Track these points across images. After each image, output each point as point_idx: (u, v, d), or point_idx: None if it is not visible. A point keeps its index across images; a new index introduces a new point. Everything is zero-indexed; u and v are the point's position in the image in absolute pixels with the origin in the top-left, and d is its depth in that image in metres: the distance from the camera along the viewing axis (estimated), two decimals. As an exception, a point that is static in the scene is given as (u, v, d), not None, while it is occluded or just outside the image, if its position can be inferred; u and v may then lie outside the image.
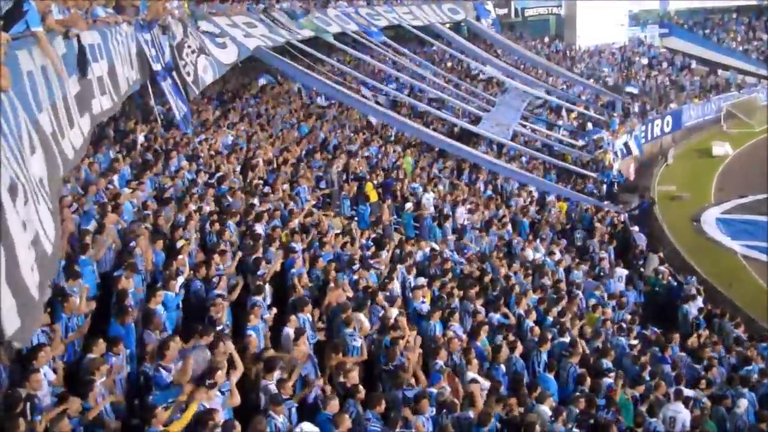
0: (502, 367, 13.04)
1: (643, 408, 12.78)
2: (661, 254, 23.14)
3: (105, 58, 14.05)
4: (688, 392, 13.85)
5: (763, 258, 25.33)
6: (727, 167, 38.25)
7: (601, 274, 21.22)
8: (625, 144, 36.31)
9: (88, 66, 12.22)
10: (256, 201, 17.78)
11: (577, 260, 21.89)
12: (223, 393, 9.41)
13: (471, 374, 12.05)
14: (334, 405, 9.81)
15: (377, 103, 32.11)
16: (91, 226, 12.91)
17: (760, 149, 41.10)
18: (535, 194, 27.72)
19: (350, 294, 13.90)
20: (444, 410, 10.65)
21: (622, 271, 21.35)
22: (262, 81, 33.23)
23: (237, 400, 9.66)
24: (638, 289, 21.03)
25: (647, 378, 14.17)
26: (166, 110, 23.00)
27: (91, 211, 13.52)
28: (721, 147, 40.61)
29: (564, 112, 39.21)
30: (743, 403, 13.91)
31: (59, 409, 8.11)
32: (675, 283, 21.23)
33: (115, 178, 16.08)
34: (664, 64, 52.39)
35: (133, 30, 16.99)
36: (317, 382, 10.71)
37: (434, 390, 11.20)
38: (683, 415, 12.95)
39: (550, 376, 13.20)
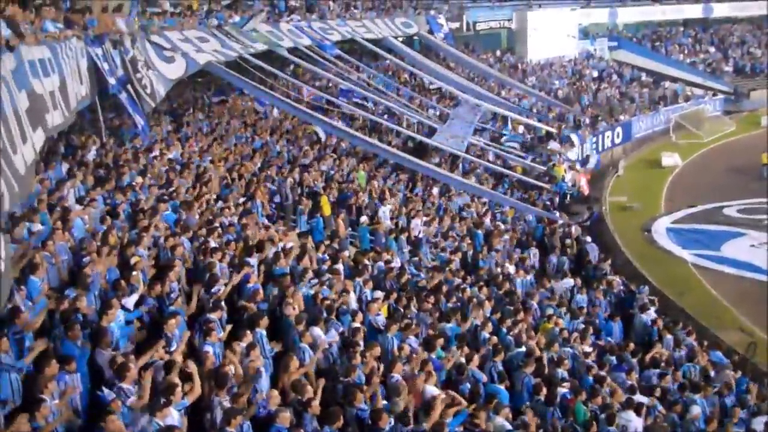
0: (468, 384, 13.10)
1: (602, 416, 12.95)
2: (610, 263, 23.40)
3: (56, 72, 13.90)
4: (641, 399, 14.03)
5: (712, 267, 25.77)
6: (676, 177, 38.89)
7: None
8: (586, 156, 36.81)
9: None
10: (210, 216, 17.67)
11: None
12: (179, 411, 9.34)
13: (429, 387, 12.07)
14: (284, 417, 9.77)
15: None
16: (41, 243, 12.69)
17: (709, 159, 42.01)
18: (488, 205, 27.94)
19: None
20: (399, 424, 10.63)
21: (568, 281, 21.49)
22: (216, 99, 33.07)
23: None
24: (590, 298, 21.07)
25: (601, 387, 14.31)
26: (116, 126, 22.82)
27: (43, 228, 13.32)
28: (671, 158, 41.29)
29: (510, 124, 39.47)
30: (696, 410, 14.19)
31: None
32: (627, 293, 21.45)
33: (67, 193, 15.86)
34: (614, 77, 53.14)
35: (83, 45, 16.82)
36: (261, 395, 10.65)
37: (387, 403, 11.21)
38: (634, 423, 13.13)
39: (501, 386, 13.27)
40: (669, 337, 18.43)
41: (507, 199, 28.79)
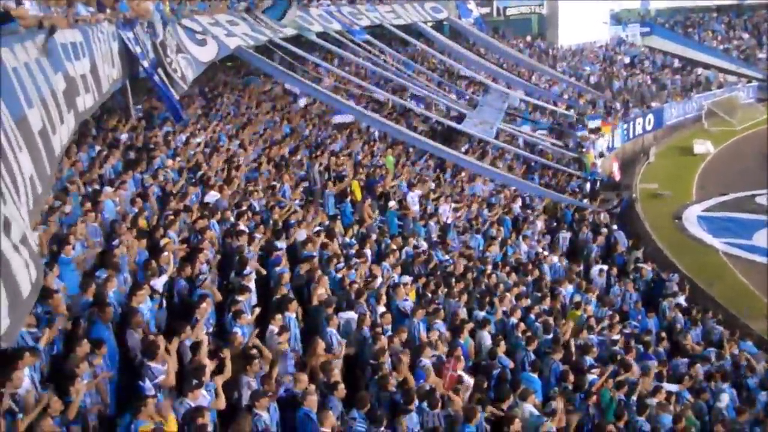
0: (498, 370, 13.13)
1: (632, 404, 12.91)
2: (641, 251, 23.20)
3: (87, 56, 13.98)
4: (670, 387, 13.98)
5: (743, 255, 25.51)
6: (708, 165, 38.48)
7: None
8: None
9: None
10: (239, 199, 17.78)
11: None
12: (209, 391, 9.43)
13: (457, 372, 12.12)
14: (312, 400, 9.85)
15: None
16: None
17: (741, 147, 41.49)
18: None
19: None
20: (428, 407, 10.68)
21: (601, 266, 21.42)
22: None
23: (222, 403, 9.66)
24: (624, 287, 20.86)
25: (630, 377, 14.24)
26: (147, 108, 22.93)
27: (74, 210, 13.45)
28: (703, 145, 40.84)
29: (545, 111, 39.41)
30: (725, 398, 14.11)
31: (40, 406, 8.10)
32: (657, 280, 21.28)
33: (98, 176, 16.01)
34: (646, 63, 52.64)
35: (114, 28, 16.90)
36: (287, 378, 10.73)
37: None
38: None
39: (534, 375, 13.28)
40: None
41: (535, 188, 28.62)
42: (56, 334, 9.80)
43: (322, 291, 13.72)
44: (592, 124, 36.33)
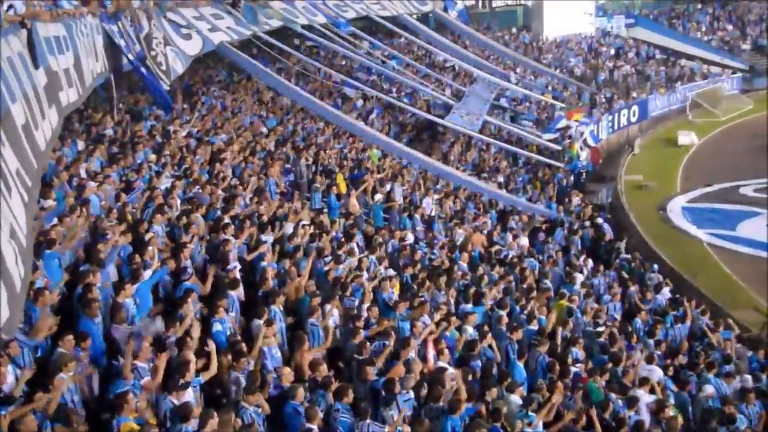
0: (479, 361, 13.14)
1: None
2: (624, 242, 23.32)
3: (71, 50, 13.93)
4: (657, 374, 14.05)
5: (727, 246, 25.66)
6: (692, 156, 38.59)
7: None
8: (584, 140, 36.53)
9: (38, 58, 11.87)
10: (223, 193, 17.72)
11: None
12: (194, 388, 9.44)
13: (441, 364, 12.15)
14: (300, 394, 9.87)
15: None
16: (56, 220, 12.76)
17: (726, 138, 41.65)
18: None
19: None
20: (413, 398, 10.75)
21: (583, 257, 21.54)
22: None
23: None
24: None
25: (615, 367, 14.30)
26: (132, 102, 22.85)
27: (57, 205, 13.39)
28: (687, 136, 40.93)
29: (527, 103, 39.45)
30: (708, 389, 14.12)
31: (27, 407, 8.08)
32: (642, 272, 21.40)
33: (82, 171, 15.93)
34: (630, 54, 52.75)
35: (98, 22, 16.82)
36: (274, 373, 10.76)
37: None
38: (644, 399, 13.11)
39: (520, 363, 13.33)
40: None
41: (506, 197, 28.05)
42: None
43: (302, 283, 13.78)
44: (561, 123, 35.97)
